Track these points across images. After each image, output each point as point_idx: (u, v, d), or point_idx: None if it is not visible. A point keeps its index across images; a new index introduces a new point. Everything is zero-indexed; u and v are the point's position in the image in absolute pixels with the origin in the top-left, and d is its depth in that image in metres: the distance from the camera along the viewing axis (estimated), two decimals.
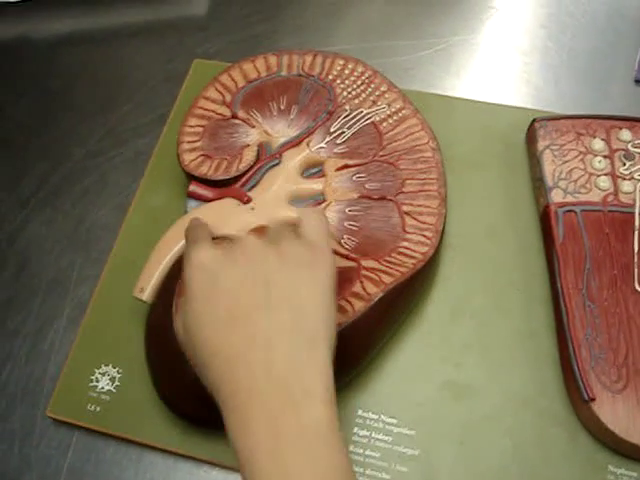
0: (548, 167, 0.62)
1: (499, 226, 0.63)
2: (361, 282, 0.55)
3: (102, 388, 0.58)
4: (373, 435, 0.55)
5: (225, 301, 0.44)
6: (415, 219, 0.59)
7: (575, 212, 0.60)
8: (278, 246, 0.46)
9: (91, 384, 0.58)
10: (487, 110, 0.69)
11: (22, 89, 0.78)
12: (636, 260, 0.58)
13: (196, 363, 0.46)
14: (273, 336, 0.43)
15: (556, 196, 0.61)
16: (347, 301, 0.54)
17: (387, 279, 0.55)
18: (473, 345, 0.58)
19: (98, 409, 0.57)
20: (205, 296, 0.45)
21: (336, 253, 0.57)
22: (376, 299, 0.54)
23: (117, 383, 0.58)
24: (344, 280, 0.55)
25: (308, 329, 0.44)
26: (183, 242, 0.58)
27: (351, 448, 0.55)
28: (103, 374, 0.59)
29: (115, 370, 0.59)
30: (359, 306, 0.54)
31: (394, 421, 0.56)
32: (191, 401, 0.54)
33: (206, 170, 0.62)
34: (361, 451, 0.55)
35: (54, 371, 0.60)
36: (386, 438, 0.55)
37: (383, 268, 0.56)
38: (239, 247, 0.46)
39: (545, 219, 0.61)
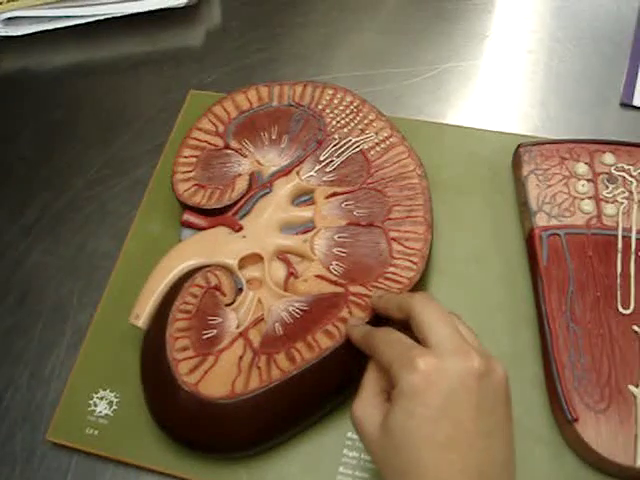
0: (532, 191, 0.63)
1: (485, 250, 0.64)
2: (348, 307, 0.56)
3: (100, 412, 0.59)
4: (362, 456, 0.56)
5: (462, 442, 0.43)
6: (402, 245, 0.60)
7: (559, 235, 0.61)
8: (494, 372, 0.46)
9: (89, 408, 0.60)
10: (475, 136, 0.71)
11: (25, 121, 0.80)
12: (619, 282, 0.59)
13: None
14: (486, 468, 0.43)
15: (540, 220, 0.62)
16: (334, 326, 0.55)
17: None
18: None
19: (96, 433, 0.59)
20: (433, 417, 0.43)
21: (324, 279, 0.59)
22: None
23: (115, 407, 0.60)
24: (332, 306, 0.57)
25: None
26: (177, 270, 0.60)
27: (341, 469, 0.56)
28: (101, 398, 0.60)
29: (113, 394, 0.60)
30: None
31: None
32: (185, 425, 0.55)
33: (199, 199, 0.64)
34: (351, 472, 0.56)
35: (54, 396, 0.62)
36: None
37: (370, 293, 0.57)
38: (468, 367, 0.44)
39: (530, 243, 0.62)
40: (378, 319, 0.56)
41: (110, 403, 0.60)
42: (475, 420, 0.43)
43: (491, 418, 0.44)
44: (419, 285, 0.60)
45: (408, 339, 0.46)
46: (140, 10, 0.83)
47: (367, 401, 0.48)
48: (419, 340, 0.46)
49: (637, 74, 0.75)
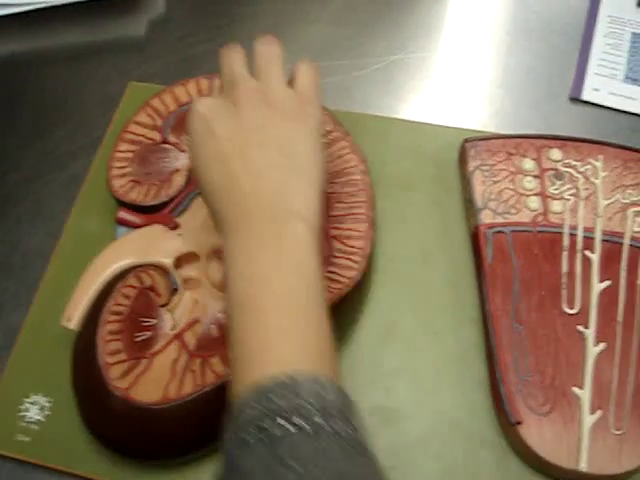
0: (478, 188, 0.62)
1: (431, 248, 0.63)
2: None
3: (32, 418, 0.57)
4: None
5: (220, 144, 0.48)
6: (342, 243, 0.58)
7: (504, 233, 0.60)
8: (269, 96, 0.50)
9: (20, 414, 0.58)
10: (421, 130, 0.69)
11: None
12: (564, 281, 0.58)
13: (206, 203, 0.51)
14: (264, 169, 0.47)
15: (486, 217, 0.61)
16: None
17: None
18: (403, 369, 0.58)
19: (28, 439, 0.57)
20: (203, 141, 0.49)
21: None
22: None
23: (47, 412, 0.58)
24: None
25: (298, 167, 0.48)
26: (110, 270, 0.58)
27: None
28: (33, 403, 0.58)
29: (45, 399, 0.58)
30: None
31: None
32: (117, 431, 0.53)
33: (135, 196, 0.62)
34: None
35: None
36: None
37: None
38: (233, 96, 0.50)
39: (475, 240, 0.61)
40: None
41: (42, 408, 0.58)
42: (243, 137, 0.49)
43: (261, 134, 0.49)
44: (362, 284, 0.58)
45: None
46: None
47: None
48: None
49: (586, 68, 0.74)
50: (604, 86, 0.73)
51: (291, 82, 0.52)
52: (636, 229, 0.60)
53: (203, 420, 0.52)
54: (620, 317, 0.56)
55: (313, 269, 0.45)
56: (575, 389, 0.54)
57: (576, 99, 0.72)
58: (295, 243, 0.46)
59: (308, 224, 0.46)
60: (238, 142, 0.48)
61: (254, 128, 0.48)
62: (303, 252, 0.45)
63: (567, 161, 0.63)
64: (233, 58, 0.53)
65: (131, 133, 0.65)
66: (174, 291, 0.58)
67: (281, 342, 0.42)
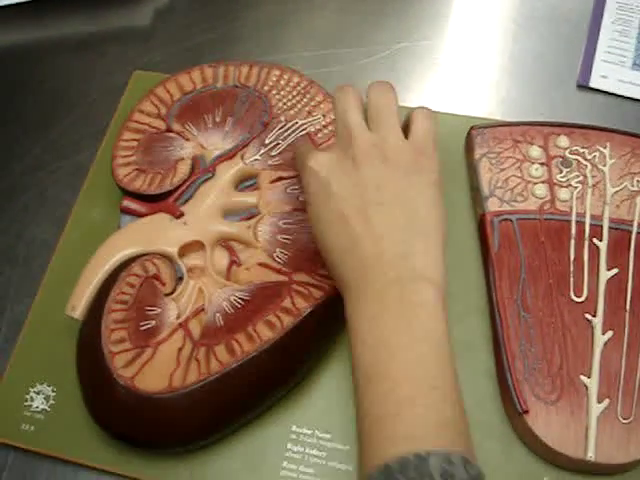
0: (485, 175, 0.62)
1: None
2: (291, 297, 0.54)
3: (37, 407, 0.57)
4: (307, 451, 0.54)
5: (339, 205, 0.47)
6: None
7: (511, 221, 0.59)
8: (386, 151, 0.48)
9: (25, 403, 0.57)
10: None
11: None
12: (572, 269, 0.57)
13: (325, 264, 0.50)
14: (386, 230, 0.46)
15: (492, 205, 0.60)
16: (276, 316, 0.53)
17: (317, 293, 0.55)
18: None
19: (32, 428, 0.56)
20: (321, 202, 0.48)
21: (268, 267, 0.57)
22: (305, 314, 0.54)
23: (52, 402, 0.57)
24: (274, 295, 0.55)
25: (420, 226, 0.47)
26: (115, 259, 0.58)
27: (284, 464, 0.54)
28: (38, 393, 0.58)
29: (50, 389, 0.58)
30: (288, 321, 0.53)
31: (328, 436, 0.55)
32: (122, 420, 0.53)
33: (140, 185, 0.61)
34: (295, 467, 0.54)
35: None
36: (320, 454, 0.54)
37: (314, 282, 0.55)
38: (349, 151, 0.49)
39: (481, 228, 0.60)
40: (322, 309, 0.54)
41: (47, 398, 0.58)
42: (361, 196, 0.47)
43: (380, 192, 0.47)
44: None
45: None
46: None
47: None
48: None
49: (594, 55, 0.73)
50: (612, 73, 0.72)
51: (406, 127, 0.51)
52: None
53: (208, 409, 0.52)
54: (628, 305, 0.56)
55: (442, 335, 0.44)
56: (582, 377, 0.53)
57: (584, 86, 0.72)
58: (423, 307, 0.44)
59: (435, 286, 0.45)
60: (357, 202, 0.47)
61: (373, 186, 0.47)
62: (431, 317, 0.44)
63: (574, 148, 0.63)
64: (348, 104, 0.51)
65: (135, 122, 0.65)
66: (179, 280, 0.58)
67: (412, 416, 0.41)
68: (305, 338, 0.54)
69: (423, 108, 0.52)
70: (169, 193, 0.61)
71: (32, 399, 0.58)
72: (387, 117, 0.50)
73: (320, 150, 0.51)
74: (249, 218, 0.60)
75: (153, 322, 0.55)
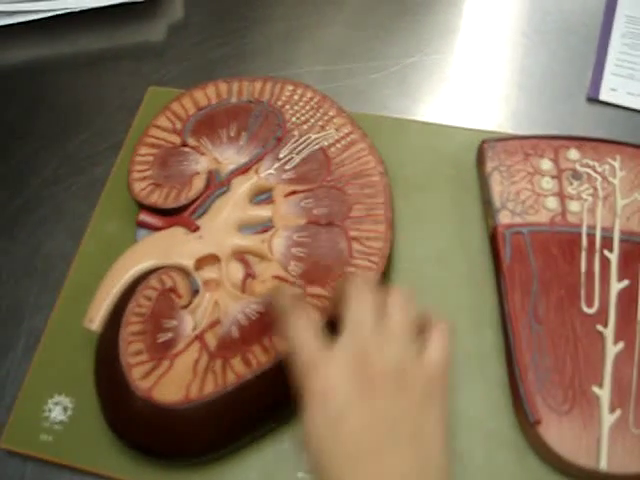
0: (496, 188, 0.62)
1: (449, 249, 0.63)
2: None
3: (55, 418, 0.58)
4: None
5: (352, 439, 0.43)
6: (362, 244, 0.59)
7: (523, 233, 0.60)
8: (403, 377, 0.45)
9: (44, 414, 0.58)
10: (439, 132, 0.70)
11: None
12: (583, 281, 0.58)
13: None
14: (399, 472, 0.42)
15: (504, 217, 0.61)
16: None
17: None
18: None
19: (51, 439, 0.57)
20: (331, 434, 0.43)
21: (282, 280, 0.57)
22: (320, 326, 0.54)
23: (70, 413, 0.58)
24: None
25: (432, 464, 0.43)
26: (131, 272, 0.58)
27: (300, 475, 0.54)
28: (56, 404, 0.58)
29: (68, 400, 0.59)
30: None
31: None
32: (139, 431, 0.54)
33: (156, 199, 0.62)
34: (310, 477, 0.54)
35: (9, 401, 0.60)
36: None
37: (328, 294, 0.56)
38: (366, 374, 0.44)
39: (493, 241, 0.61)
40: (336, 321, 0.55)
41: (65, 409, 0.58)
42: (377, 433, 0.43)
43: (395, 428, 0.44)
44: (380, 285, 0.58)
45: (314, 329, 0.47)
46: (99, 5, 0.81)
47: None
48: None
49: (604, 68, 0.74)
50: (622, 86, 0.73)
51: (420, 330, 0.48)
52: None
53: (224, 420, 0.53)
54: (639, 316, 0.56)
55: None
56: (594, 388, 0.54)
57: (594, 99, 0.72)
58: None
59: None
60: (371, 439, 0.43)
61: (389, 421, 0.43)
62: None
63: (585, 161, 0.63)
64: (363, 313, 0.47)
65: (151, 137, 0.66)
66: (195, 293, 0.58)
67: None
68: None
69: (443, 324, 0.49)
70: (185, 207, 0.62)
71: (50, 410, 0.58)
72: (406, 337, 0.47)
73: (326, 355, 0.45)
74: (264, 231, 0.61)
75: (170, 334, 0.56)
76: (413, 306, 0.49)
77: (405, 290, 0.49)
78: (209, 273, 0.59)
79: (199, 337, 0.55)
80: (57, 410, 0.58)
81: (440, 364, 0.47)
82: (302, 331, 0.47)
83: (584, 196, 0.62)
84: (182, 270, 0.59)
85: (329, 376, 0.44)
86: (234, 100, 0.68)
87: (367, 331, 0.46)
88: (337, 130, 0.65)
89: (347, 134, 0.64)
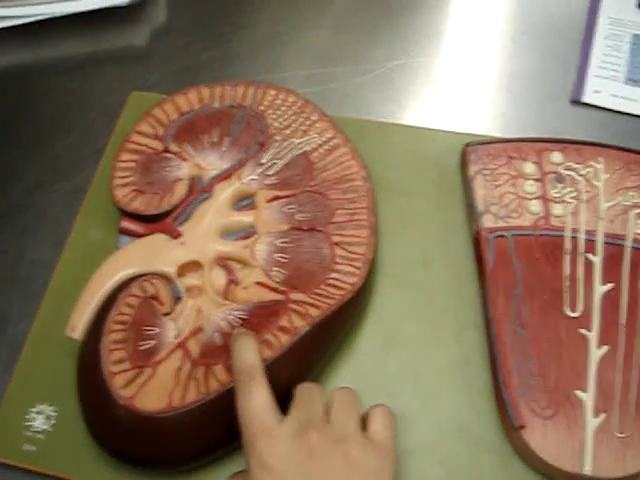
0: (479, 192, 0.62)
1: (433, 253, 0.63)
2: (288, 316, 0.55)
3: (37, 427, 0.57)
4: None
5: None
6: (345, 249, 0.58)
7: (506, 237, 0.60)
8: (346, 448, 0.46)
9: (26, 423, 0.58)
10: (422, 135, 0.69)
11: None
12: (567, 284, 0.58)
13: None
14: None
15: (487, 221, 0.61)
16: (273, 335, 0.54)
17: (314, 312, 0.55)
18: (406, 374, 0.58)
19: (34, 449, 0.57)
20: None
21: (265, 287, 0.57)
22: (302, 333, 0.54)
23: (53, 422, 0.58)
24: (271, 314, 0.55)
25: None
26: (113, 280, 0.58)
27: None
28: (39, 413, 0.58)
29: (51, 409, 0.58)
30: (285, 340, 0.54)
31: None
32: (122, 440, 0.53)
33: (138, 205, 0.62)
34: None
35: None
36: None
37: (311, 301, 0.56)
38: (306, 447, 0.45)
39: (476, 245, 0.61)
40: (319, 328, 0.54)
41: (48, 417, 0.58)
42: None
43: None
44: (364, 290, 0.58)
45: (269, 406, 0.48)
46: (82, 9, 0.80)
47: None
48: None
49: (587, 71, 0.74)
50: (605, 88, 0.73)
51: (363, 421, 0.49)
52: (638, 231, 0.60)
53: (208, 428, 0.53)
54: (623, 319, 0.56)
55: None
56: (578, 392, 0.54)
57: (577, 101, 0.72)
58: None
59: None
60: None
61: None
62: None
63: (568, 164, 0.63)
64: (313, 398, 0.49)
65: (133, 143, 0.66)
66: (177, 300, 0.58)
67: None
68: (302, 356, 0.55)
69: (382, 406, 0.51)
70: (167, 213, 0.62)
71: (33, 419, 0.58)
72: (351, 417, 0.48)
73: (273, 430, 0.46)
74: (246, 237, 0.60)
75: (152, 342, 0.55)
76: (357, 402, 0.50)
77: (348, 390, 0.51)
78: (191, 280, 0.59)
79: (181, 345, 0.55)
80: (40, 419, 0.58)
81: (386, 437, 0.48)
82: (253, 403, 0.48)
83: (568, 199, 0.61)
84: (164, 277, 0.58)
85: (275, 449, 0.45)
86: (216, 105, 0.67)
87: (315, 411, 0.48)
88: (319, 135, 0.64)
89: (330, 139, 0.64)
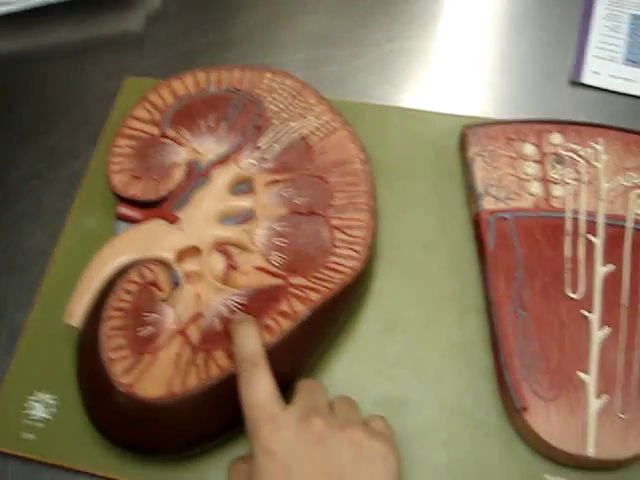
0: (479, 174, 0.62)
1: (433, 236, 0.63)
2: (288, 300, 0.55)
3: (37, 416, 0.57)
4: None
5: None
6: (344, 233, 0.58)
7: (506, 219, 0.59)
8: (351, 433, 0.46)
9: (25, 412, 0.57)
10: (420, 118, 0.69)
11: None
12: (568, 266, 0.58)
13: None
14: None
15: (487, 203, 0.60)
16: (274, 320, 0.53)
17: (314, 296, 0.55)
18: (407, 358, 0.58)
19: (33, 437, 0.56)
20: None
21: (264, 271, 0.57)
22: (303, 317, 0.54)
23: (52, 410, 0.57)
24: (271, 299, 0.55)
25: None
26: (111, 266, 0.58)
27: None
28: (38, 401, 0.58)
29: (50, 397, 0.58)
30: (286, 325, 0.53)
31: None
32: (122, 427, 0.53)
33: (135, 191, 0.61)
34: None
35: None
36: None
37: (311, 285, 0.55)
38: (311, 432, 0.45)
39: (477, 227, 0.60)
40: (319, 312, 0.54)
41: (47, 406, 0.58)
42: None
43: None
44: (364, 274, 0.58)
45: (272, 393, 0.47)
46: None
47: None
48: None
49: (586, 51, 0.73)
50: (604, 69, 0.72)
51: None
52: (639, 211, 0.59)
53: (208, 414, 0.52)
54: (624, 301, 0.56)
55: None
56: (580, 374, 0.53)
57: (576, 82, 0.72)
58: None
59: None
60: None
61: (335, 477, 0.44)
62: None
63: (568, 145, 0.63)
64: (316, 390, 0.49)
65: (129, 128, 0.65)
66: (176, 285, 0.58)
67: None
68: (303, 341, 0.54)
69: (380, 416, 0.51)
70: (164, 199, 0.61)
71: (32, 407, 0.58)
72: (353, 411, 0.49)
73: (277, 416, 0.46)
74: (245, 222, 0.60)
75: (151, 328, 0.55)
76: (357, 405, 0.50)
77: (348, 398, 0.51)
78: (190, 265, 0.59)
79: (181, 331, 0.55)
80: (39, 407, 0.58)
81: (385, 427, 0.49)
82: (257, 390, 0.47)
83: (568, 180, 0.61)
84: (163, 263, 0.58)
85: (279, 434, 0.45)
86: (213, 89, 0.67)
87: (319, 400, 0.48)
88: (317, 118, 0.64)
89: (327, 122, 0.63)
